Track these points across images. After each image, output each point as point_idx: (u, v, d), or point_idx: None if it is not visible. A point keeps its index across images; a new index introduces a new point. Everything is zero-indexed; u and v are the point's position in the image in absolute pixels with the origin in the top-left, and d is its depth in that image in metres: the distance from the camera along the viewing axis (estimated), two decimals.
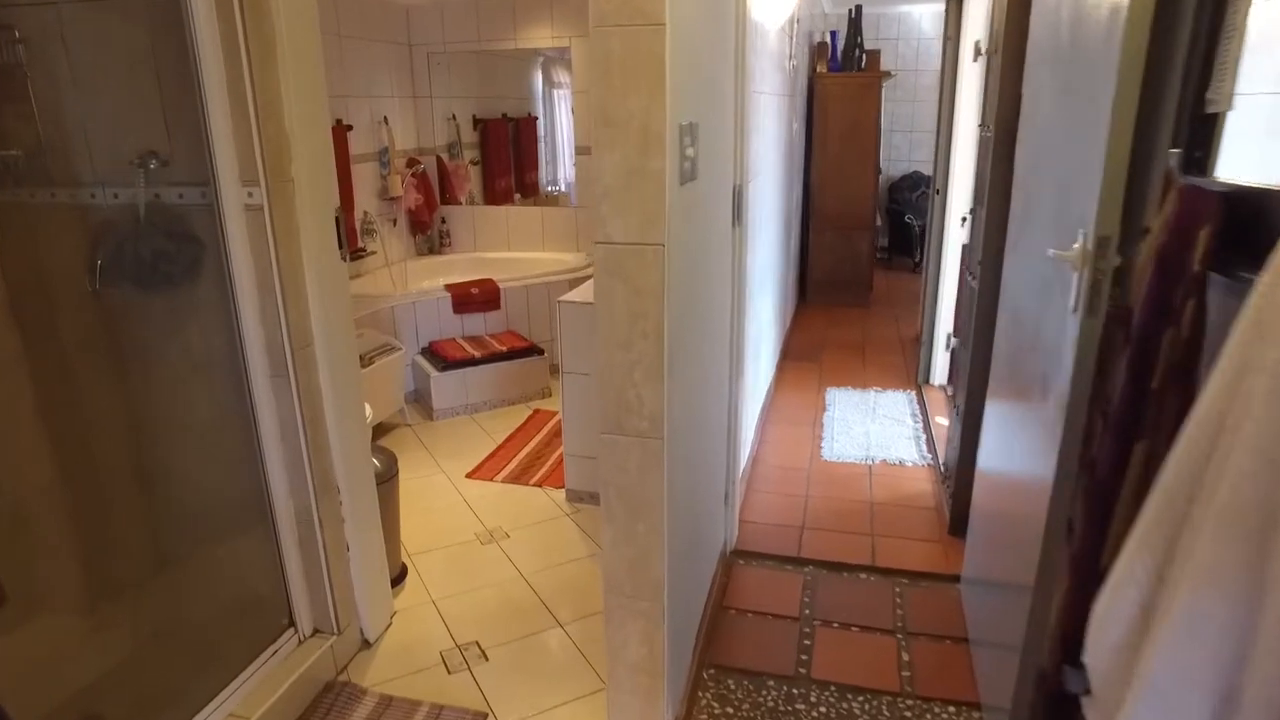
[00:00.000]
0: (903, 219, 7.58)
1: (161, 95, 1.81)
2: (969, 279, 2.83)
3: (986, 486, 2.42)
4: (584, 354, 2.97)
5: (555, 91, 6.37)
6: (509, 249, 5.36)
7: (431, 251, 5.41)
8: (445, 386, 4.02)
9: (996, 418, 2.31)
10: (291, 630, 2.16)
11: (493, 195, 5.65)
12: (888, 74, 6.13)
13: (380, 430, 3.85)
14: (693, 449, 2.06)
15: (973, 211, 2.86)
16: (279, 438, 2.01)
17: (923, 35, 7.75)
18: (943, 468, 3.30)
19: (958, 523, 2.94)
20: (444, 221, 5.38)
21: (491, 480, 3.39)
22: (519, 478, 3.40)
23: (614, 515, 1.79)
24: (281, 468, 2.03)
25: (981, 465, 2.50)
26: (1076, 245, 1.49)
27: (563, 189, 6.52)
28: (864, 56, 6.08)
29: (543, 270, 4.75)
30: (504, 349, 4.14)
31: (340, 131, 4.32)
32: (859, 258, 6.19)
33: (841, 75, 6.01)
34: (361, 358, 3.59)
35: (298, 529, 2.10)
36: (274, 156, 1.80)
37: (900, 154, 8.03)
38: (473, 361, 4.05)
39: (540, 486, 3.33)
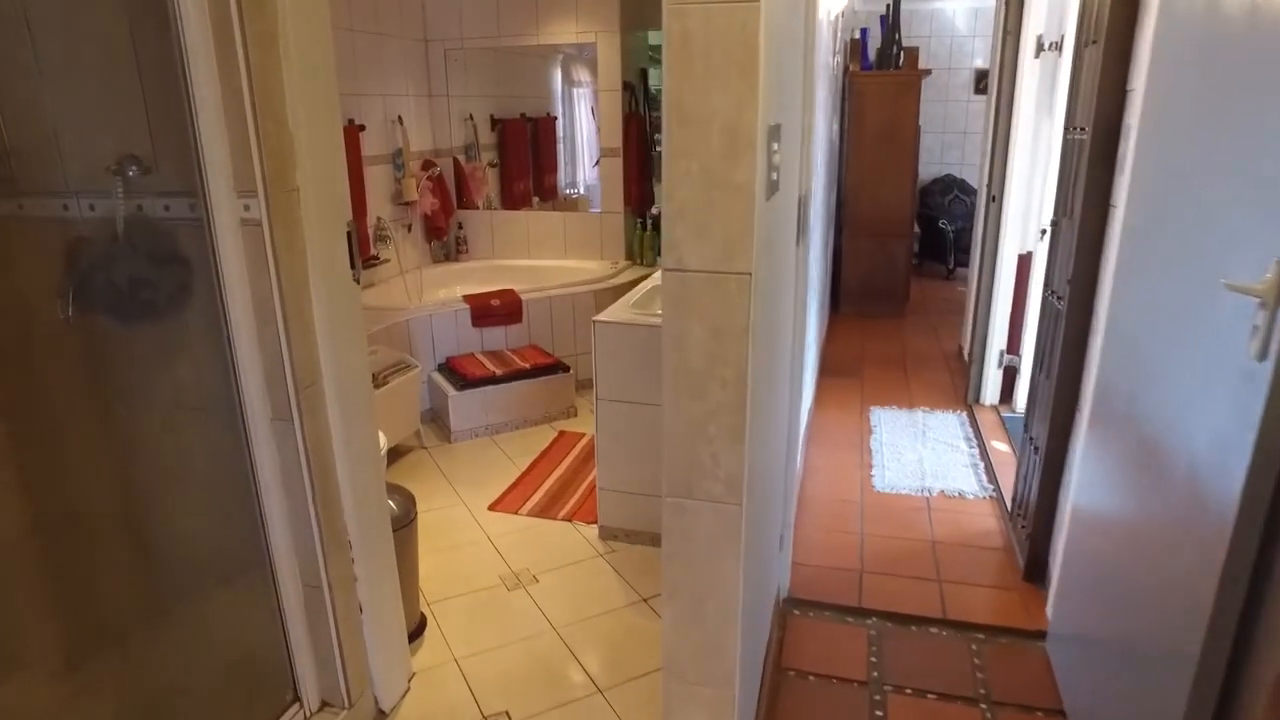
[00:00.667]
0: (935, 224, 7.27)
1: (143, 89, 1.53)
2: (1053, 300, 2.53)
3: (1087, 532, 2.11)
4: (620, 378, 2.68)
5: (575, 90, 6.12)
6: (529, 256, 5.09)
7: (448, 258, 5.14)
8: (464, 406, 3.74)
9: (1103, 457, 2.01)
10: (296, 706, 1.88)
11: (511, 199, 5.38)
12: (927, 72, 5.83)
13: (394, 455, 3.57)
14: (762, 498, 1.77)
15: (1055, 224, 2.56)
16: (281, 489, 1.73)
17: (956, 33, 7.46)
18: (1011, 503, 3.00)
19: (1035, 568, 2.64)
20: (461, 227, 5.11)
21: (516, 513, 3.11)
22: (546, 510, 3.11)
23: (678, 591, 1.50)
24: (285, 523, 1.75)
25: (1079, 506, 2.20)
26: (1268, 275, 1.19)
27: (581, 192, 6.27)
28: (901, 54, 5.78)
29: (566, 280, 4.47)
30: (527, 366, 3.86)
31: (352, 132, 4.05)
32: (895, 266, 5.88)
33: (878, 74, 5.70)
34: (374, 377, 3.31)
35: (303, 591, 1.82)
36: (275, 162, 1.52)
37: (932, 156, 7.72)
38: (493, 380, 3.77)
39: (570, 521, 3.05)
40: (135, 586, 1.93)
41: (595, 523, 2.98)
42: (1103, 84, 2.17)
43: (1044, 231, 3.14)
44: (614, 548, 2.87)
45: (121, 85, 1.53)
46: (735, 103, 1.21)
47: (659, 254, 4.86)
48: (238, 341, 1.59)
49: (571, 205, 6.06)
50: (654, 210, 5.13)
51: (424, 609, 2.52)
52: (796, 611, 2.54)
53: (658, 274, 3.27)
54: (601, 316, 2.66)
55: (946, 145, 7.78)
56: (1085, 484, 2.14)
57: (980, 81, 7.46)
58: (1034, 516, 2.61)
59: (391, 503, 2.28)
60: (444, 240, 5.09)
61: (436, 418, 3.95)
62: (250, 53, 1.44)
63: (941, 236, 7.24)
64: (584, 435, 3.79)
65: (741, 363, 1.32)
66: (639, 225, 4.95)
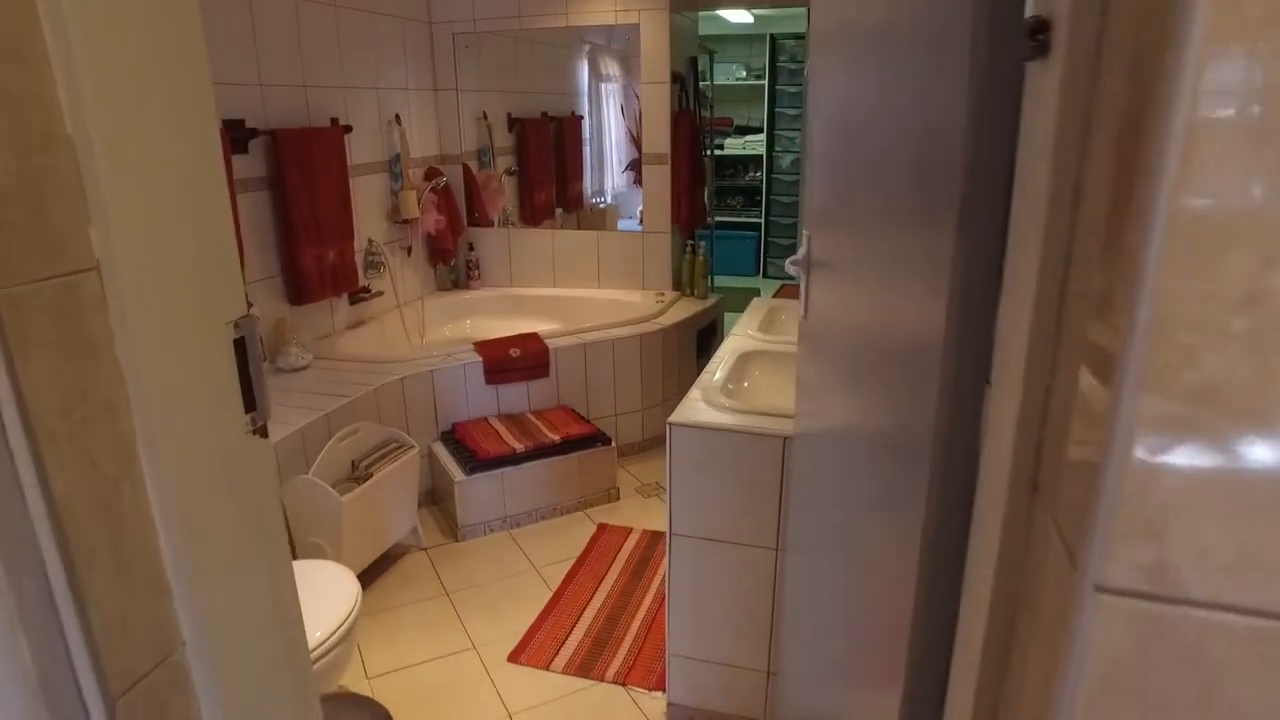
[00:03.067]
0: None
1: None
2: None
3: None
4: (704, 505, 1.79)
5: (604, 86, 5.28)
6: (554, 284, 4.21)
7: (456, 285, 4.27)
8: (476, 494, 2.86)
9: None
10: None
11: (531, 212, 4.53)
12: None
13: (384, 562, 2.70)
14: None
15: None
16: None
17: None
18: None
19: None
20: (472, 248, 4.24)
21: (547, 669, 2.22)
22: (589, 665, 2.23)
23: None
24: None
25: None
26: None
27: (609, 201, 5.43)
28: None
29: (602, 319, 3.59)
30: (556, 439, 2.97)
31: (335, 134, 3.19)
32: None
33: None
34: (353, 466, 2.44)
35: None
36: (30, 205, 0.65)
37: None
38: (513, 458, 2.89)
39: (623, 685, 2.16)
40: None
41: (660, 690, 2.09)
42: None
43: None
44: None
45: None
46: None
47: (711, 284, 3.95)
48: None
49: (600, 218, 5.22)
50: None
51: None
52: None
53: (740, 329, 2.37)
54: (680, 416, 1.77)
55: None
56: None
57: None
58: None
59: None
60: (451, 264, 4.22)
61: (439, 501, 3.08)
62: None
63: None
64: (631, 531, 2.90)
65: None
66: (688, 248, 4.07)
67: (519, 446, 2.90)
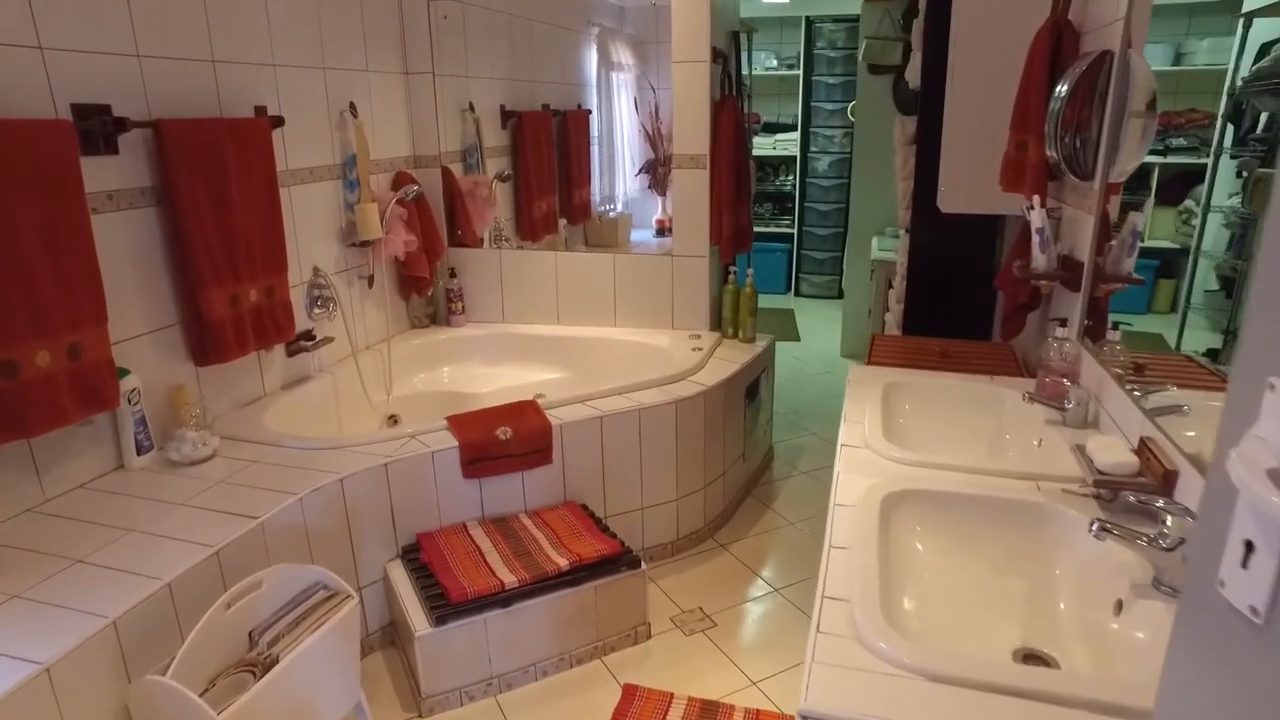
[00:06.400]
0: None
1: None
2: None
3: None
4: None
5: (615, 76, 4.42)
6: (558, 319, 3.32)
7: (434, 322, 3.39)
8: (448, 652, 1.97)
9: None
10: None
11: (530, 226, 3.65)
12: None
13: None
14: None
15: None
16: None
17: None
18: None
19: None
20: (453, 274, 3.35)
21: None
22: None
23: None
24: None
25: None
26: None
27: (620, 209, 4.56)
28: None
29: (622, 371, 2.70)
30: (564, 565, 2.07)
31: (259, 127, 2.29)
32: None
33: None
34: (252, 639, 1.56)
35: None
36: None
37: None
38: (502, 597, 2.00)
39: None
40: None
41: None
42: None
43: None
44: None
45: None
46: None
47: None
48: None
49: (610, 228, 4.34)
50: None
51: None
52: None
53: (853, 434, 1.48)
54: (821, 698, 0.87)
55: None
56: None
57: None
58: None
59: None
60: (427, 296, 3.33)
61: (399, 642, 2.19)
62: None
63: None
64: (672, 699, 2.01)
65: None
66: (729, 276, 3.18)
67: (510, 580, 2.01)
